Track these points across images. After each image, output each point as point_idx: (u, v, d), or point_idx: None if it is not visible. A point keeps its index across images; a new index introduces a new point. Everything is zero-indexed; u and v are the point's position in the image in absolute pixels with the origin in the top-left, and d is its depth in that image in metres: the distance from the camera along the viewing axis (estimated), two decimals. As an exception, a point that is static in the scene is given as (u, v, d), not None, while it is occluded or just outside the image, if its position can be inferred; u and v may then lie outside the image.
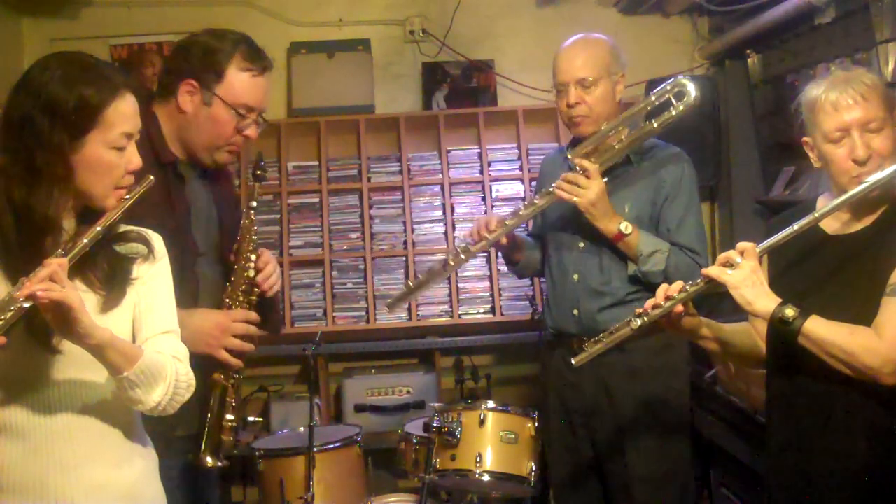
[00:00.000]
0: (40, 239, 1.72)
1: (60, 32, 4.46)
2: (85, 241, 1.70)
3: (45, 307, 1.59)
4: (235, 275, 2.31)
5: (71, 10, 4.47)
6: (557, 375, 2.88)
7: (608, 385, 2.78)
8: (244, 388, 3.52)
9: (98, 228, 1.72)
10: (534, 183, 4.43)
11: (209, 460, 2.24)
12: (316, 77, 4.50)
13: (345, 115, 4.52)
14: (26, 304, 1.58)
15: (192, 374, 1.86)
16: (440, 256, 4.38)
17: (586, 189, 2.64)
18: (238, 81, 2.24)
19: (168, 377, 1.78)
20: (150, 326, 1.84)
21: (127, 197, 1.78)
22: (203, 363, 2.20)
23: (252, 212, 2.34)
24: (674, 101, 2.62)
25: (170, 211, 2.22)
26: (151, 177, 1.81)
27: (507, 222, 2.80)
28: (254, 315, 2.29)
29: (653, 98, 2.65)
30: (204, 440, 2.25)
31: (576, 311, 2.79)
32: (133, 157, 1.79)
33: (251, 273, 2.31)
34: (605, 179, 2.71)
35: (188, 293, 2.20)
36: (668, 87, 2.63)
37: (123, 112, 1.77)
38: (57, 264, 1.61)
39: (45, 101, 1.72)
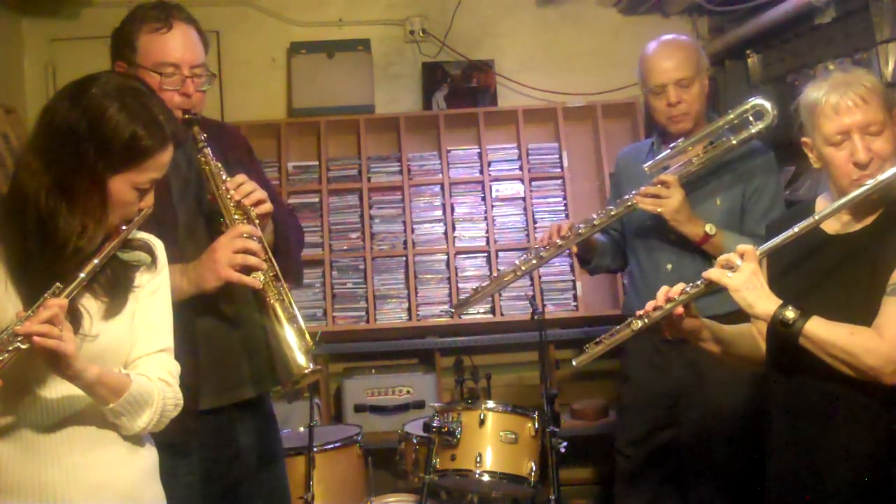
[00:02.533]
0: (64, 264, 1.72)
1: (60, 32, 4.47)
2: (82, 275, 1.70)
3: (40, 351, 1.61)
4: (225, 212, 2.23)
5: (71, 10, 4.47)
6: (643, 361, 2.93)
7: (700, 368, 2.81)
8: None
9: (95, 262, 1.73)
10: (534, 183, 4.48)
11: (303, 364, 2.15)
12: (316, 77, 4.50)
13: (345, 115, 4.52)
14: (23, 346, 1.60)
15: (180, 394, 1.87)
16: (440, 256, 4.40)
17: (668, 199, 2.75)
18: (149, 43, 2.27)
19: (154, 403, 1.80)
20: (145, 344, 1.85)
21: (124, 227, 1.79)
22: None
23: (201, 154, 2.26)
24: (752, 119, 2.75)
25: None
26: (151, 205, 1.82)
27: (580, 231, 2.88)
28: (247, 227, 2.20)
29: (732, 116, 2.78)
30: (287, 359, 2.17)
31: None
32: (148, 198, 1.82)
33: (233, 200, 2.23)
34: (688, 182, 2.83)
35: (172, 261, 2.16)
36: (748, 107, 2.76)
37: (162, 162, 1.80)
38: (58, 306, 1.62)
39: (98, 127, 1.71)
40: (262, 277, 2.20)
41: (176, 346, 1.92)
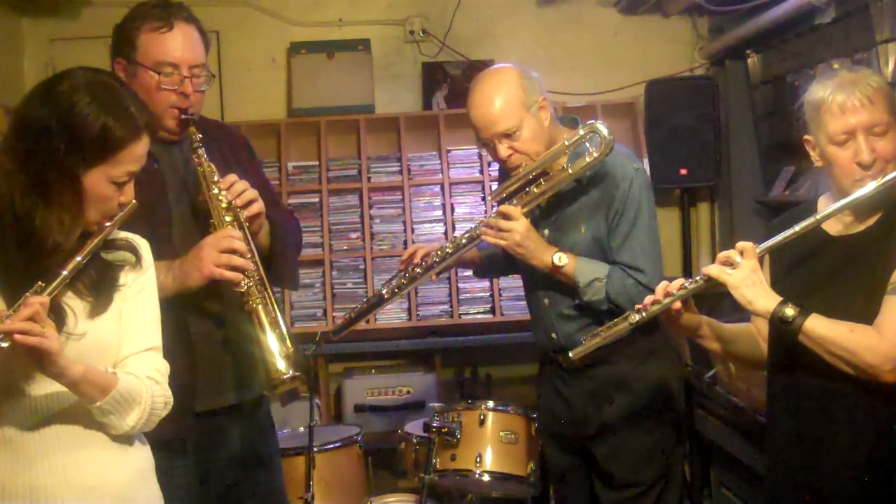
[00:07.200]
0: (44, 261, 1.71)
1: (60, 32, 4.47)
2: (65, 273, 1.69)
3: (22, 348, 1.60)
4: (214, 213, 2.24)
5: (71, 10, 4.47)
6: (549, 389, 2.83)
7: (596, 396, 2.71)
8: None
9: (78, 259, 1.71)
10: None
11: (282, 369, 2.15)
12: (316, 77, 4.50)
13: (345, 115, 4.53)
14: (4, 345, 1.58)
15: (169, 392, 1.86)
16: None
17: (509, 232, 2.57)
18: (149, 42, 2.27)
19: (143, 402, 1.79)
20: (132, 343, 1.84)
21: (108, 224, 1.78)
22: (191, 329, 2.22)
23: (195, 155, 2.27)
24: (589, 146, 2.52)
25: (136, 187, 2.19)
26: (134, 201, 1.81)
27: (435, 261, 2.77)
28: (235, 232, 2.20)
29: (566, 144, 2.54)
30: (267, 364, 2.17)
31: (554, 335, 2.72)
32: (128, 192, 1.79)
33: (224, 202, 2.24)
34: (554, 206, 2.66)
35: (166, 259, 2.19)
36: (582, 132, 2.52)
37: (137, 154, 1.78)
38: (39, 304, 1.61)
39: (68, 121, 1.70)
40: (245, 280, 2.18)
41: (170, 347, 1.92)
